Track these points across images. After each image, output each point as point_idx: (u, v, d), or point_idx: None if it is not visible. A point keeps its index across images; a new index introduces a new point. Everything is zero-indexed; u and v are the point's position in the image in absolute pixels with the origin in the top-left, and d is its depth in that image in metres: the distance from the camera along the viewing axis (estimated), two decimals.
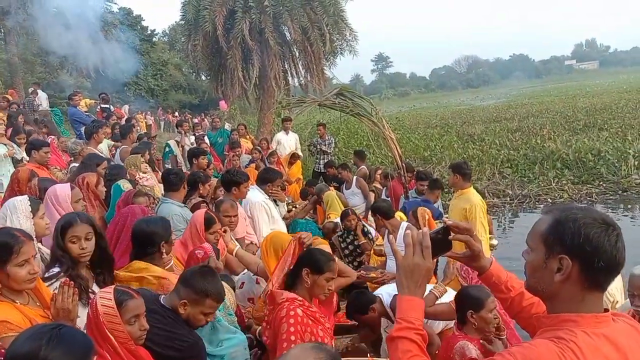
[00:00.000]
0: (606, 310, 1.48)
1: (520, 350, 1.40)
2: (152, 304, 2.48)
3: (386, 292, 4.32)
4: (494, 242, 6.26)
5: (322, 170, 10.91)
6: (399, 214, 6.17)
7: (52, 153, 6.43)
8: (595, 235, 1.41)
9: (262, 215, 5.37)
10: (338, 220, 6.75)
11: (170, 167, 7.35)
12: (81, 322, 2.46)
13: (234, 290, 3.03)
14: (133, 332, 2.16)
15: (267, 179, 5.76)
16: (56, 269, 2.79)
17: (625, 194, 11.84)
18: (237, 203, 4.86)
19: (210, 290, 2.57)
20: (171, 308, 2.59)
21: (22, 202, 3.27)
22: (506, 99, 44.68)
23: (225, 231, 4.10)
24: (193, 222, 3.99)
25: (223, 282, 2.92)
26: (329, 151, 11.05)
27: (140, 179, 5.79)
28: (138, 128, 11.28)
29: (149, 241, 3.15)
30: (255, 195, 5.48)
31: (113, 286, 2.27)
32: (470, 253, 1.82)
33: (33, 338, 1.64)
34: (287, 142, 10.92)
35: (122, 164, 5.85)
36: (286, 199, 8.23)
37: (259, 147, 9.85)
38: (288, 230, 6.15)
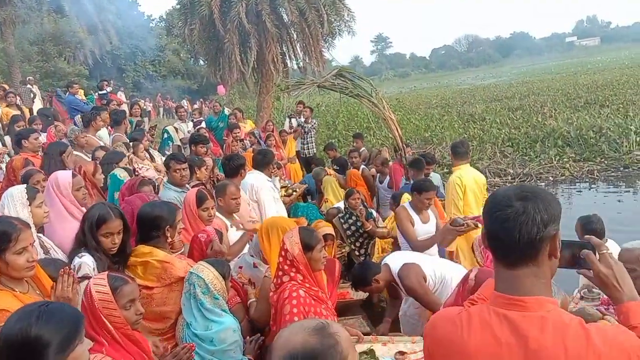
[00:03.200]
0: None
1: None
2: None
3: (392, 260, 4.37)
4: None
5: (307, 155, 10.86)
6: (406, 197, 6.16)
7: (49, 141, 6.38)
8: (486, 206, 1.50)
9: (268, 199, 5.41)
10: (340, 205, 6.72)
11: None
12: None
13: (225, 279, 3.01)
14: (129, 316, 2.16)
15: (267, 161, 5.75)
16: (87, 267, 2.80)
17: (627, 170, 11.83)
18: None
19: None
20: None
21: (19, 190, 3.27)
22: (507, 77, 44.32)
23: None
24: (186, 201, 4.03)
25: (212, 269, 2.92)
26: (312, 131, 11.01)
27: (139, 169, 5.76)
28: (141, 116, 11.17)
29: (153, 225, 3.16)
30: (259, 179, 5.50)
31: (106, 272, 2.26)
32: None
33: (22, 318, 1.65)
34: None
35: (119, 151, 5.80)
36: (286, 181, 8.24)
37: (254, 132, 9.82)
38: (289, 214, 6.15)
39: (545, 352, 1.34)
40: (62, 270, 2.39)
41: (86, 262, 2.83)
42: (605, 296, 3.04)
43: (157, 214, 3.17)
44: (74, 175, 3.89)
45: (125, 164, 5.14)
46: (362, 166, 8.50)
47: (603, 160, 12.46)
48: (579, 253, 1.58)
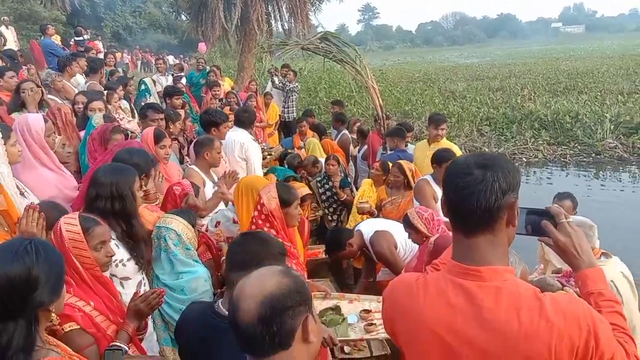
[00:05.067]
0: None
1: None
2: (208, 317, 1.99)
3: (364, 226, 4.48)
4: None
5: (288, 120, 10.75)
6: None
7: None
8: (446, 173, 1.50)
9: (258, 157, 5.39)
10: (322, 160, 6.70)
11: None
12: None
13: (194, 227, 3.00)
14: (99, 258, 2.13)
15: (250, 120, 5.69)
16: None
17: (598, 157, 12.06)
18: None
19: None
20: None
21: None
22: (490, 58, 44.40)
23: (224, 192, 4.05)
24: (143, 138, 4.02)
25: (180, 218, 2.90)
26: (294, 95, 10.87)
27: (120, 119, 5.61)
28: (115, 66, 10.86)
29: None
30: (247, 137, 5.44)
31: (77, 213, 2.21)
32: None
33: (19, 256, 1.52)
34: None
35: (99, 95, 5.64)
36: (263, 144, 8.18)
37: (234, 91, 9.66)
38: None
39: (499, 322, 1.36)
40: (29, 205, 2.33)
41: (122, 257, 2.62)
42: (567, 268, 3.14)
43: (135, 162, 3.07)
44: (45, 120, 3.77)
45: (100, 108, 5.00)
46: (344, 131, 8.49)
47: (576, 145, 12.68)
48: (539, 221, 1.60)
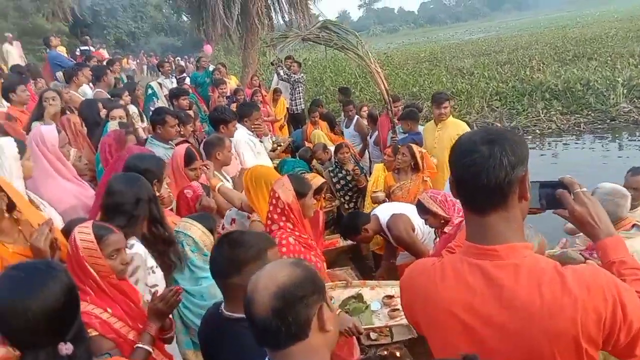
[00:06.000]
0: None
1: None
2: (216, 319, 2.00)
3: (381, 211, 4.50)
4: None
5: (295, 112, 10.69)
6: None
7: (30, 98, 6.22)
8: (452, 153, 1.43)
9: (247, 152, 5.31)
10: (331, 149, 6.67)
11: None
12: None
13: (213, 233, 2.97)
14: (115, 266, 2.13)
15: (243, 114, 5.65)
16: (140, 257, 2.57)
17: (613, 122, 11.84)
18: None
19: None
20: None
21: (9, 143, 3.08)
22: (496, 32, 43.80)
23: (207, 166, 4.04)
24: (174, 157, 3.95)
25: (199, 224, 2.89)
26: (300, 86, 10.79)
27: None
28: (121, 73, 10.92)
29: None
30: (238, 132, 5.39)
31: (90, 221, 2.22)
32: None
33: (60, 274, 1.56)
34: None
35: (118, 104, 5.64)
36: (273, 137, 8.17)
37: (241, 88, 9.66)
38: (276, 170, 6.11)
39: (521, 300, 1.32)
40: (46, 221, 2.35)
41: (138, 251, 2.56)
42: (590, 242, 3.08)
43: (146, 167, 3.06)
44: (58, 131, 3.79)
45: (121, 116, 5.01)
46: (356, 117, 8.45)
47: (590, 112, 12.45)
48: (553, 194, 1.55)
